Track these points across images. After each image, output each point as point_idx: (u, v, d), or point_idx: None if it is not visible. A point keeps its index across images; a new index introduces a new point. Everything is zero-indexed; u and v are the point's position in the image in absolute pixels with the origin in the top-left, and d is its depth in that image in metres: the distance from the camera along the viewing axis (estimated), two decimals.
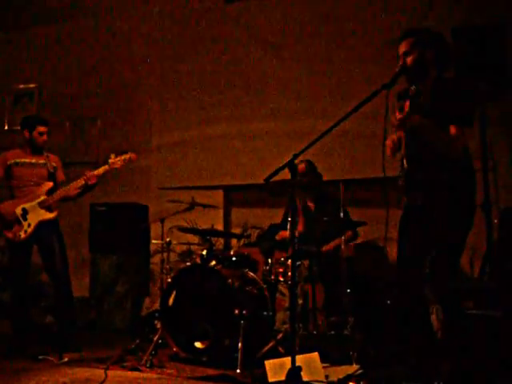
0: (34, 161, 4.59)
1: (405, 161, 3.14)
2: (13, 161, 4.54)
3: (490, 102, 4.58)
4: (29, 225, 4.42)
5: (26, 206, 4.44)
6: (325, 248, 4.55)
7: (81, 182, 4.43)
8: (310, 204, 4.84)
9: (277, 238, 4.85)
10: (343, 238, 4.25)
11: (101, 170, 4.45)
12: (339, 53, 5.78)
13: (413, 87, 3.12)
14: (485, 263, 4.31)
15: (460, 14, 5.23)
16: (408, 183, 3.14)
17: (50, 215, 4.48)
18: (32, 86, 7.40)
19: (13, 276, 4.57)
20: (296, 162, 3.03)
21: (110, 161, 4.44)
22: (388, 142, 3.17)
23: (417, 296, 3.13)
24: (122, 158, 4.46)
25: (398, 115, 3.02)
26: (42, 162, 4.61)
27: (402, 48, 3.14)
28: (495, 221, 4.42)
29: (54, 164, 4.67)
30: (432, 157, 3.03)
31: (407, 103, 3.06)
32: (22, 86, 7.43)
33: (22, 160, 4.56)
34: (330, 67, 5.80)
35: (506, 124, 4.96)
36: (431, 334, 3.28)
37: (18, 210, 4.42)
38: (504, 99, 4.87)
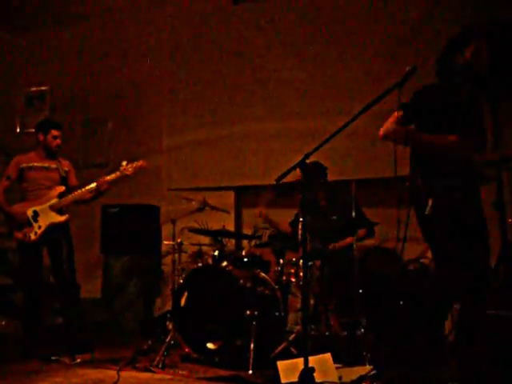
0: (46, 165, 4.65)
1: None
2: (26, 164, 4.60)
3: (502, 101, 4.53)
4: (39, 227, 4.46)
5: (37, 208, 4.49)
6: (334, 246, 4.52)
7: (93, 185, 4.49)
8: (322, 202, 4.81)
9: None
10: (355, 237, 4.23)
11: (112, 176, 4.51)
12: (350, 52, 5.76)
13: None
14: (499, 263, 4.26)
15: (468, 10, 5.18)
16: (413, 191, 3.12)
17: (61, 218, 4.52)
18: (44, 88, 7.44)
19: (24, 278, 4.60)
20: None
21: (121, 168, 4.51)
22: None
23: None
24: (134, 165, 4.51)
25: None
26: (54, 166, 4.67)
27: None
28: (510, 220, 4.37)
29: (65, 169, 4.73)
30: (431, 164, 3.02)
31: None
32: (33, 89, 7.48)
33: (35, 164, 4.62)
34: (342, 67, 5.78)
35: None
36: (442, 335, 3.25)
37: (30, 212, 4.47)
38: None
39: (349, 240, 4.50)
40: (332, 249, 4.49)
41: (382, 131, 3.11)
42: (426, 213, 2.97)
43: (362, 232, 4.55)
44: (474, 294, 2.98)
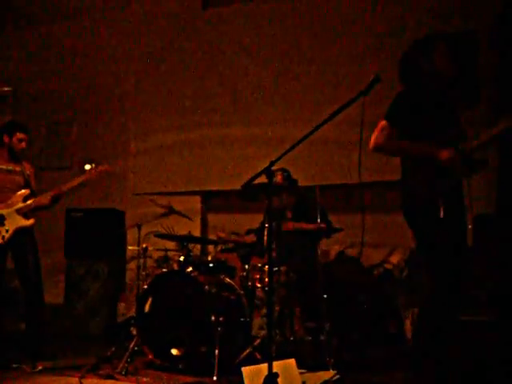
0: (10, 167, 4.58)
1: None
2: None
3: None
4: (6, 230, 4.39)
5: (4, 212, 4.42)
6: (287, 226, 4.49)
7: (52, 193, 4.42)
8: (288, 210, 4.83)
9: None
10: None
11: (75, 181, 4.44)
12: (318, 60, 5.82)
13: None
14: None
15: (435, 21, 5.30)
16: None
17: (28, 222, 4.46)
18: (6, 89, 7.30)
19: None
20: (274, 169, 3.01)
21: (85, 172, 4.43)
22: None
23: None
24: (98, 169, 4.44)
25: None
26: (18, 169, 4.61)
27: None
28: (469, 226, 4.47)
29: (27, 172, 4.66)
30: None
31: None
32: None
33: (0, 166, 4.53)
34: (308, 74, 5.83)
35: (478, 132, 5.04)
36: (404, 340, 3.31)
37: None
38: (475, 108, 4.94)
39: (305, 225, 4.46)
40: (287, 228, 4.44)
41: (373, 144, 3.09)
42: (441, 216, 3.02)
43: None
44: (435, 295, 3.05)
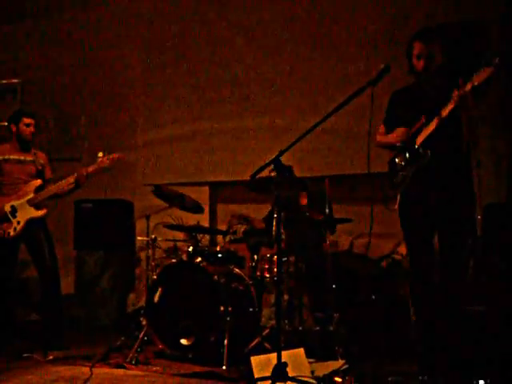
0: (22, 158, 4.58)
1: None
2: (1, 157, 4.52)
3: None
4: (18, 222, 4.41)
5: (15, 203, 4.43)
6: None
7: (71, 179, 4.42)
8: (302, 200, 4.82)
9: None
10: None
11: (91, 168, 4.44)
12: (325, 50, 5.77)
13: None
14: (469, 258, 4.34)
15: (445, 11, 5.25)
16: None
17: (39, 213, 4.47)
18: (15, 81, 7.31)
19: None
20: None
21: (98, 159, 4.43)
22: None
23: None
24: (111, 157, 4.44)
25: None
26: (30, 159, 4.60)
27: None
28: (479, 217, 4.46)
29: (41, 161, 4.66)
30: None
31: None
32: (4, 82, 7.34)
33: (11, 157, 4.55)
34: (316, 64, 5.79)
35: (490, 123, 5.00)
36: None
37: (7, 208, 4.41)
38: (487, 98, 4.90)
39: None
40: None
41: (375, 142, 3.42)
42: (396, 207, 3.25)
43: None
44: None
